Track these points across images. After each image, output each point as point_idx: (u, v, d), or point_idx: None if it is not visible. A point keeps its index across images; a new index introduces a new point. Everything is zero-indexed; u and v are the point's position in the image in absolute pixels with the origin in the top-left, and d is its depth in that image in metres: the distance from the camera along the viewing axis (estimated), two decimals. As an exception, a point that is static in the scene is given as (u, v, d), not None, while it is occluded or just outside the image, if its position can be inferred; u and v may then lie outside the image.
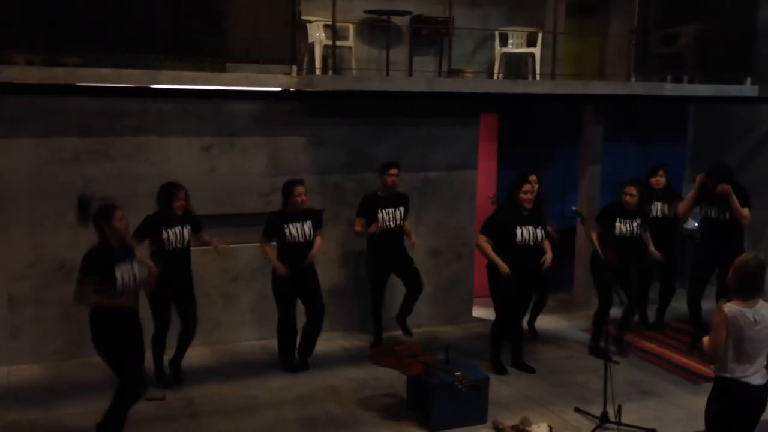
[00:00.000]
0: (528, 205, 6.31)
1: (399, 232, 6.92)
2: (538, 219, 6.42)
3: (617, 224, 6.80)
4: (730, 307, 4.20)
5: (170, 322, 6.11)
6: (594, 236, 6.68)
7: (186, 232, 6.02)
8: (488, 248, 6.30)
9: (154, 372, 6.11)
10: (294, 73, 6.70)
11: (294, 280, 6.35)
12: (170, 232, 5.92)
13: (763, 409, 4.37)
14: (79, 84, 6.08)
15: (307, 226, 6.36)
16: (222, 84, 6.41)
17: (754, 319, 4.19)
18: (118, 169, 6.62)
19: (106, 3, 6.07)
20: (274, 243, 6.43)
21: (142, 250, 5.61)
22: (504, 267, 6.19)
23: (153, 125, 6.73)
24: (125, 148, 6.65)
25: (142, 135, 6.69)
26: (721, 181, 6.71)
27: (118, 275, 4.84)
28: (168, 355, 6.17)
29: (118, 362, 4.90)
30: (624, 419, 5.42)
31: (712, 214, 6.92)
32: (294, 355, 6.53)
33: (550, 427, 5.40)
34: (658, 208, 7.51)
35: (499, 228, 6.34)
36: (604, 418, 5.46)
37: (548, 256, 6.39)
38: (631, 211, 6.83)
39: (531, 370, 6.59)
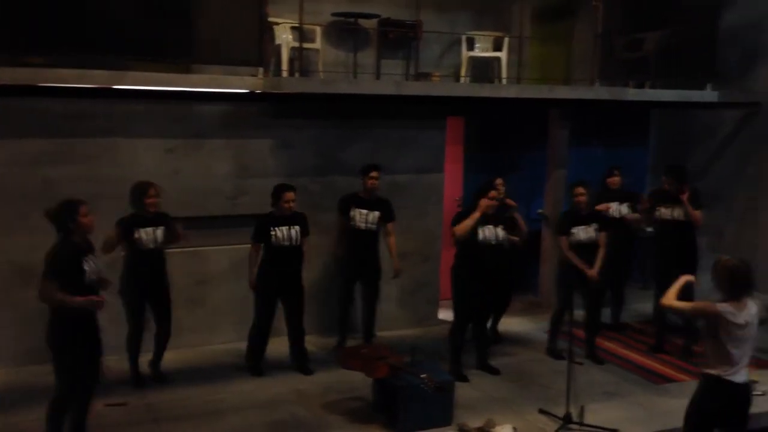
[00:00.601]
0: (491, 211, 6.36)
1: (372, 236, 6.91)
2: (501, 220, 6.48)
3: (575, 231, 6.83)
4: (723, 307, 4.29)
5: (145, 324, 6.08)
6: (566, 249, 6.74)
7: (159, 233, 5.96)
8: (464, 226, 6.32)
9: (131, 375, 6.08)
10: (261, 75, 6.68)
11: (278, 283, 6.34)
12: (143, 233, 5.87)
13: (748, 407, 4.46)
14: (41, 85, 5.99)
15: (294, 230, 6.32)
16: (188, 85, 6.35)
17: (745, 321, 4.29)
18: (82, 171, 6.53)
19: (70, 3, 5.99)
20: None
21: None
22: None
23: (118, 127, 6.65)
24: (90, 150, 6.56)
25: (107, 137, 6.61)
26: (678, 182, 6.86)
27: (86, 268, 4.77)
28: (145, 358, 6.15)
29: (66, 366, 4.79)
30: (587, 420, 5.48)
31: (668, 216, 7.06)
32: (262, 359, 6.49)
33: (515, 429, 5.45)
34: (614, 208, 7.62)
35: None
36: (567, 418, 5.53)
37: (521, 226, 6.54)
38: (586, 216, 6.89)
39: (496, 372, 6.64)
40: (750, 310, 4.35)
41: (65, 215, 4.79)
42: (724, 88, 8.72)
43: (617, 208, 7.65)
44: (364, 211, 6.83)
